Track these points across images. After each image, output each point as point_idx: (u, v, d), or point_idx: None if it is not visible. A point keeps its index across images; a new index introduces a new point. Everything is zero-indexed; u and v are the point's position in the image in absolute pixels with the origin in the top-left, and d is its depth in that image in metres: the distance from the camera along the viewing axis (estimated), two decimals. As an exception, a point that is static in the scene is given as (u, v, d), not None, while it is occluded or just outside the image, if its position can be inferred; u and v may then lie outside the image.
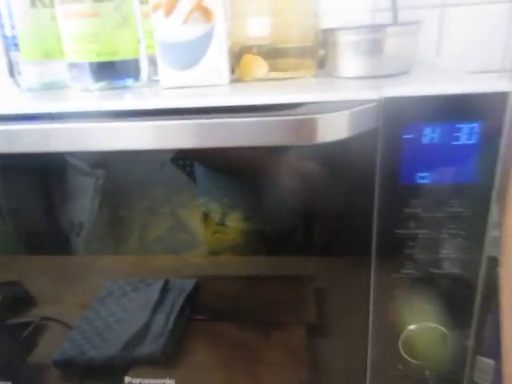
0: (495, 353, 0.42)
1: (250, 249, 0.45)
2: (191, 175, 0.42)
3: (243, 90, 0.41)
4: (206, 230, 0.45)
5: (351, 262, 0.41)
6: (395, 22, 0.65)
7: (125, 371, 0.49)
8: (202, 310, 0.48)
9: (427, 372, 0.42)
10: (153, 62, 0.44)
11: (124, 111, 0.35)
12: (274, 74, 0.43)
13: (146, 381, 0.48)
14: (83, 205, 0.45)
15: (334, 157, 0.36)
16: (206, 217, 0.45)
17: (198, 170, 0.42)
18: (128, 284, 0.49)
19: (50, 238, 0.47)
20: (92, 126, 0.33)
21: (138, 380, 0.48)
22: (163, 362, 0.49)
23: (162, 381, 0.48)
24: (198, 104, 0.35)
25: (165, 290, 0.48)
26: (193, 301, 0.47)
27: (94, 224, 0.46)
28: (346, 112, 0.31)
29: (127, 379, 0.49)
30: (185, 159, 0.41)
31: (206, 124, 0.32)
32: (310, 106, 0.32)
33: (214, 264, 0.47)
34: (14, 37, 0.46)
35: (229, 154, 0.38)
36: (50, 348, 0.51)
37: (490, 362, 0.45)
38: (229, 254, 0.46)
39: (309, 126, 0.30)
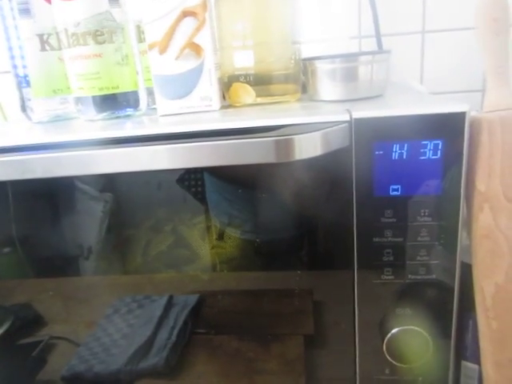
0: (479, 357, 0.44)
1: (247, 262, 0.48)
2: (196, 195, 0.45)
3: (232, 115, 0.45)
4: (205, 245, 0.48)
5: (340, 274, 0.44)
6: (380, 48, 0.70)
7: (129, 383, 0.52)
8: (204, 324, 0.51)
9: (420, 379, 0.44)
10: (151, 92, 0.49)
11: (125, 138, 0.39)
12: (260, 100, 0.48)
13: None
14: (92, 228, 0.47)
15: (321, 173, 0.40)
16: (205, 233, 0.48)
17: (208, 183, 0.45)
18: (134, 301, 0.51)
19: (59, 262, 0.50)
20: (96, 152, 0.37)
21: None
22: (166, 373, 0.51)
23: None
24: (191, 129, 0.39)
25: (169, 305, 0.50)
26: (195, 315, 0.50)
27: (102, 246, 0.48)
28: (319, 132, 0.35)
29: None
30: (190, 180, 0.44)
31: (197, 147, 0.36)
32: (288, 128, 0.36)
33: (215, 279, 0.49)
34: (26, 75, 0.51)
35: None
36: (58, 365, 0.53)
37: (474, 366, 0.47)
38: (227, 267, 0.49)
39: (286, 145, 0.34)
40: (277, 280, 0.48)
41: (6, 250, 0.49)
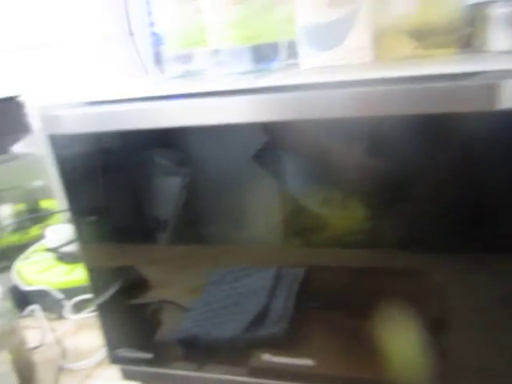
0: None
1: (374, 237, 0.44)
2: (274, 173, 0.42)
3: (393, 67, 0.41)
4: (326, 216, 0.45)
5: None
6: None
7: (248, 351, 0.50)
8: (316, 298, 0.48)
9: None
10: (290, 46, 0.46)
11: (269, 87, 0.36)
12: (418, 52, 0.43)
13: (275, 359, 0.49)
14: (168, 203, 0.47)
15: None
16: (322, 204, 0.44)
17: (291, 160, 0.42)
18: (239, 270, 0.50)
19: (140, 232, 0.50)
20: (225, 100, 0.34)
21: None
22: (283, 344, 0.49)
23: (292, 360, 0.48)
24: (356, 77, 0.35)
25: (278, 276, 0.49)
26: (307, 288, 0.47)
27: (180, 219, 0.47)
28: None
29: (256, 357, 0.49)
30: (265, 156, 0.41)
31: (367, 92, 0.32)
32: (485, 74, 0.31)
33: (327, 254, 0.46)
34: (161, 31, 0.50)
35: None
36: (170, 327, 0.53)
37: None
38: (348, 240, 0.45)
39: (491, 91, 0.29)
40: (405, 260, 0.43)
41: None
